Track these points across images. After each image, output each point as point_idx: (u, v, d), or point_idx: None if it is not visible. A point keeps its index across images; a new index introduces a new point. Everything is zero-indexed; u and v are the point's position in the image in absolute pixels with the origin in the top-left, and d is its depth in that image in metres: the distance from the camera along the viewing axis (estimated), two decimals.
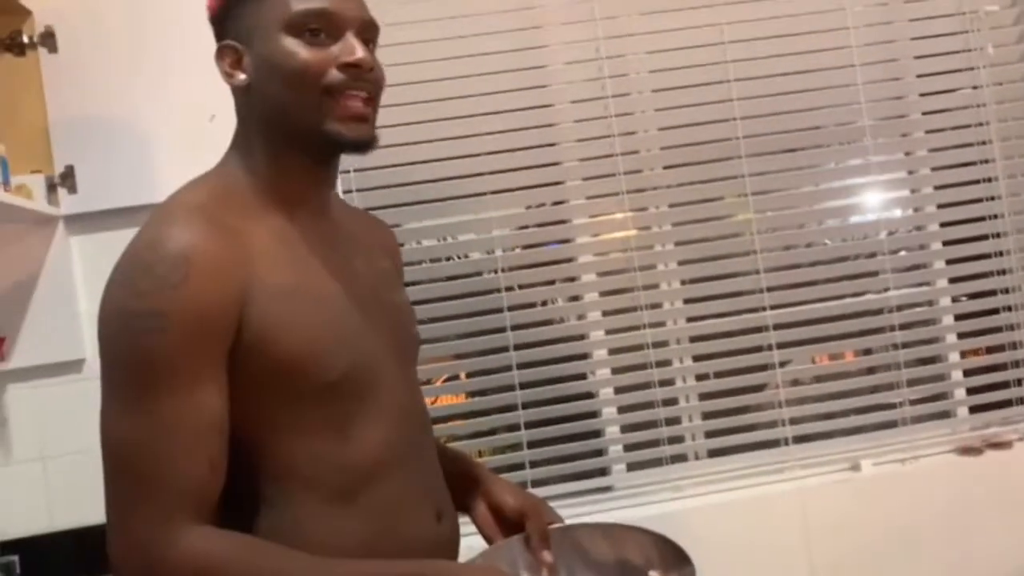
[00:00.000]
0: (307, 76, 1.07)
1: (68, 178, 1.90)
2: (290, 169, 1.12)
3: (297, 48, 1.07)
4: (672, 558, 1.13)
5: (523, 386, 2.11)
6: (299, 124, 1.09)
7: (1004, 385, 2.28)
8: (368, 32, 1.13)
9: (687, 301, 2.19)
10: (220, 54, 1.12)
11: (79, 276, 1.94)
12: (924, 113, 2.29)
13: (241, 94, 1.13)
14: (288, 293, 1.05)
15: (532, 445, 2.12)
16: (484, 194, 2.14)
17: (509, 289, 2.13)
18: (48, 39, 1.90)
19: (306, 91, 1.07)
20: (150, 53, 1.93)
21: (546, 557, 1.18)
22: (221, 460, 1.01)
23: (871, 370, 2.31)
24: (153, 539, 0.96)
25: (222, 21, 1.14)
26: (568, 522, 1.25)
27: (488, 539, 1.25)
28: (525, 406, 2.11)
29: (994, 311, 2.29)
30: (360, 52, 1.08)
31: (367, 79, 1.10)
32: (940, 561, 2.12)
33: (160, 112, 1.93)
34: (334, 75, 1.07)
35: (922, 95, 2.28)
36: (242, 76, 1.11)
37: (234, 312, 1.01)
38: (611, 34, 2.17)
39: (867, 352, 2.28)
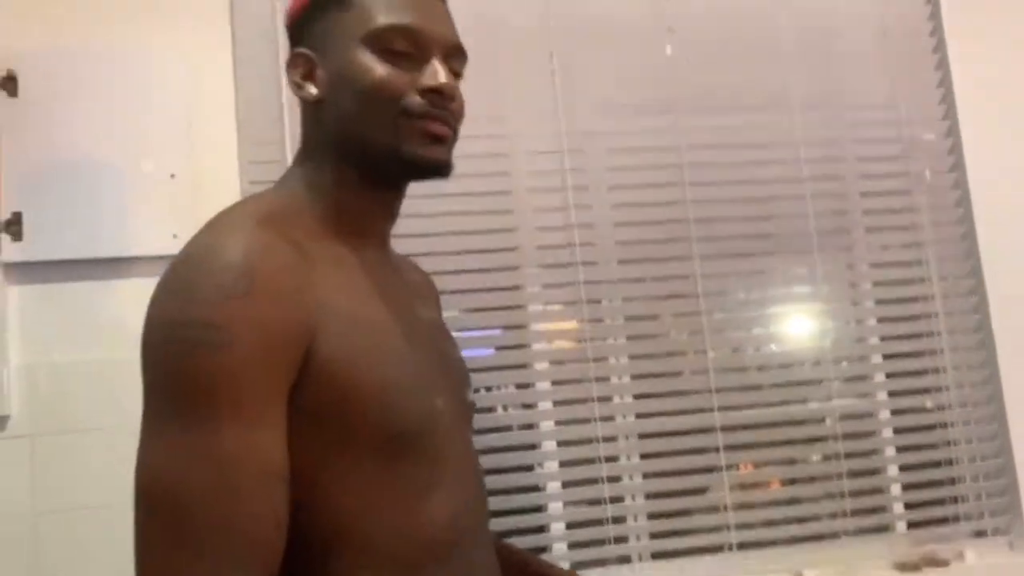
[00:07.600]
0: (383, 94, 0.98)
1: (13, 225, 1.82)
2: (357, 193, 1.02)
3: (374, 64, 0.98)
4: None
5: None
6: (373, 145, 0.99)
7: (940, 502, 2.30)
8: (455, 58, 1.04)
9: (637, 397, 2.18)
10: (292, 62, 1.03)
11: (14, 327, 1.82)
12: (867, 230, 2.37)
13: (310, 109, 1.04)
14: (358, 325, 0.92)
15: None
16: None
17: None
18: (9, 83, 1.85)
19: (381, 111, 0.98)
20: (114, 106, 1.88)
21: None
22: (285, 517, 0.83)
23: (798, 480, 2.30)
24: None
25: (300, 26, 1.05)
26: None
27: None
28: None
29: (931, 427, 2.33)
30: (443, 77, 0.99)
31: (448, 108, 1.01)
32: None
33: (119, 167, 1.86)
34: (413, 99, 0.99)
35: (865, 213, 2.37)
36: (312, 89, 1.02)
37: (302, 337, 0.86)
38: (572, 129, 2.21)
39: (791, 462, 2.28)
